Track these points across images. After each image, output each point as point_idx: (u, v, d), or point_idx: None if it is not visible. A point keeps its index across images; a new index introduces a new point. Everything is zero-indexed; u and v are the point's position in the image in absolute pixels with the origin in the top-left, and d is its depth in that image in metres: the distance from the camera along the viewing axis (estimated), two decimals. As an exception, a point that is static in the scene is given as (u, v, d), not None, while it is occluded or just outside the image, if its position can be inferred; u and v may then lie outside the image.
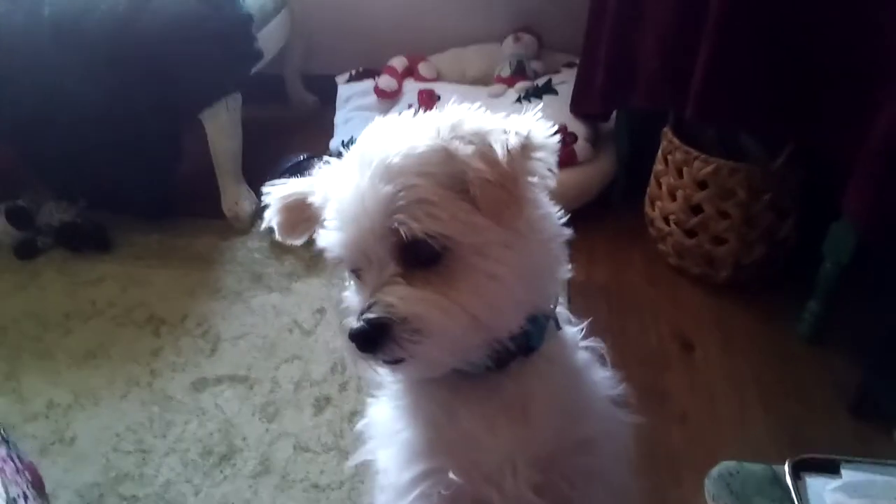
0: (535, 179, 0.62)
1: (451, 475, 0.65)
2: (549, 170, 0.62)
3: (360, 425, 0.79)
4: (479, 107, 0.64)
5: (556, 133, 0.62)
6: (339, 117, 2.06)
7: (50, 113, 1.73)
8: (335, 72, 2.24)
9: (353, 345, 0.60)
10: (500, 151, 0.58)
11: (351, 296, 0.66)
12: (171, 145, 1.82)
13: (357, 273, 0.65)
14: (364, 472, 0.79)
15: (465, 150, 0.59)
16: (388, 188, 0.58)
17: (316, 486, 1.18)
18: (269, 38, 1.95)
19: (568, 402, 0.70)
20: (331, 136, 1.97)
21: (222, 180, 1.85)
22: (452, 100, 0.66)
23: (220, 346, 1.49)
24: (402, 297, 0.59)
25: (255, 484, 1.20)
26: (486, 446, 0.66)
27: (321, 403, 1.34)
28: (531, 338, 0.67)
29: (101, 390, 1.40)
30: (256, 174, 1.90)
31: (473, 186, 0.58)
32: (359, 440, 0.79)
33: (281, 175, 1.88)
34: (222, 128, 1.78)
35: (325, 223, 0.64)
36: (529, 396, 0.67)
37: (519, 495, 0.66)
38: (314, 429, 1.29)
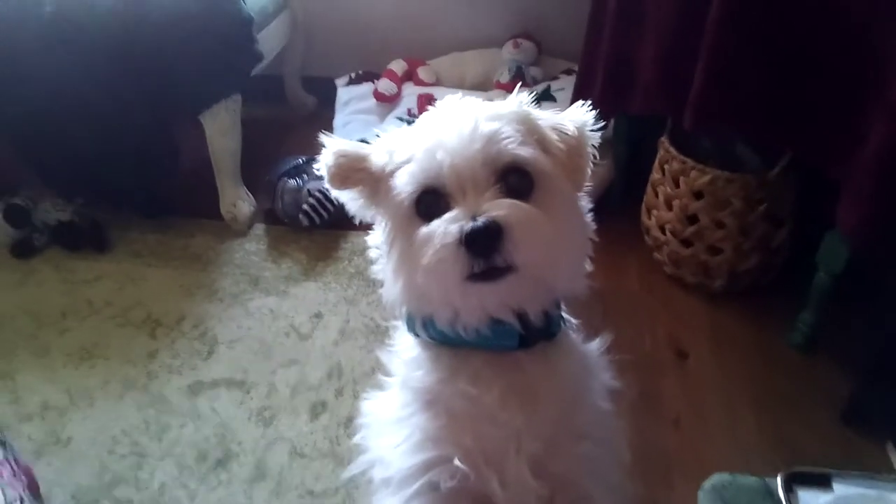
0: (590, 158, 0.73)
1: (456, 462, 0.66)
2: (594, 155, 0.73)
3: (357, 437, 0.79)
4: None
5: (602, 126, 0.74)
6: (338, 120, 2.06)
7: (50, 111, 1.73)
8: (335, 74, 2.24)
9: (464, 249, 0.61)
10: (570, 127, 0.71)
11: (436, 223, 0.63)
12: (170, 145, 1.82)
13: (436, 207, 0.65)
14: (359, 479, 0.79)
15: (544, 122, 0.71)
16: (494, 124, 0.66)
17: (311, 493, 1.19)
18: (269, 40, 1.95)
19: (574, 391, 0.73)
20: (329, 138, 1.97)
21: (221, 181, 1.85)
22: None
23: (217, 349, 1.50)
24: (510, 206, 0.63)
25: (250, 489, 1.20)
26: (499, 421, 0.68)
27: (317, 409, 1.35)
28: (553, 323, 0.72)
29: (97, 391, 1.40)
30: (255, 176, 1.90)
31: (551, 149, 0.69)
32: (355, 449, 0.79)
33: (279, 177, 1.91)
34: (221, 128, 1.78)
35: (418, 155, 0.66)
36: (544, 380, 0.71)
37: (519, 479, 0.67)
38: (310, 434, 1.29)
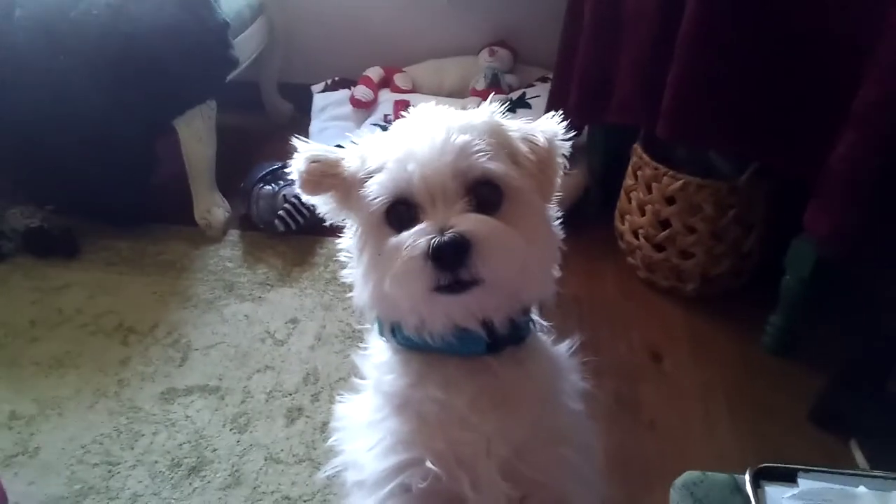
0: (560, 169, 0.74)
1: (428, 463, 0.67)
2: (564, 165, 0.75)
3: (331, 440, 0.79)
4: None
5: (572, 136, 0.75)
6: (314, 126, 2.06)
7: (24, 117, 1.70)
8: (311, 81, 2.24)
9: (431, 262, 0.61)
10: (541, 138, 0.72)
11: (405, 234, 0.64)
12: (145, 151, 1.80)
13: (406, 217, 0.66)
14: (336, 483, 0.79)
15: (515, 133, 0.72)
16: (466, 137, 0.66)
17: (287, 498, 1.18)
18: (245, 46, 1.95)
19: (546, 393, 0.74)
20: (306, 145, 1.97)
21: (195, 187, 1.84)
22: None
23: (191, 356, 1.48)
24: (477, 221, 0.64)
25: (226, 496, 1.19)
26: (470, 424, 0.69)
27: (293, 414, 1.34)
28: (520, 328, 0.73)
29: (68, 401, 1.38)
30: (230, 182, 1.89)
31: (521, 160, 0.70)
32: (331, 452, 0.79)
33: (255, 184, 1.89)
34: (196, 135, 1.77)
35: (389, 164, 0.66)
36: (515, 383, 0.71)
37: (490, 481, 0.68)
38: (286, 440, 1.28)
